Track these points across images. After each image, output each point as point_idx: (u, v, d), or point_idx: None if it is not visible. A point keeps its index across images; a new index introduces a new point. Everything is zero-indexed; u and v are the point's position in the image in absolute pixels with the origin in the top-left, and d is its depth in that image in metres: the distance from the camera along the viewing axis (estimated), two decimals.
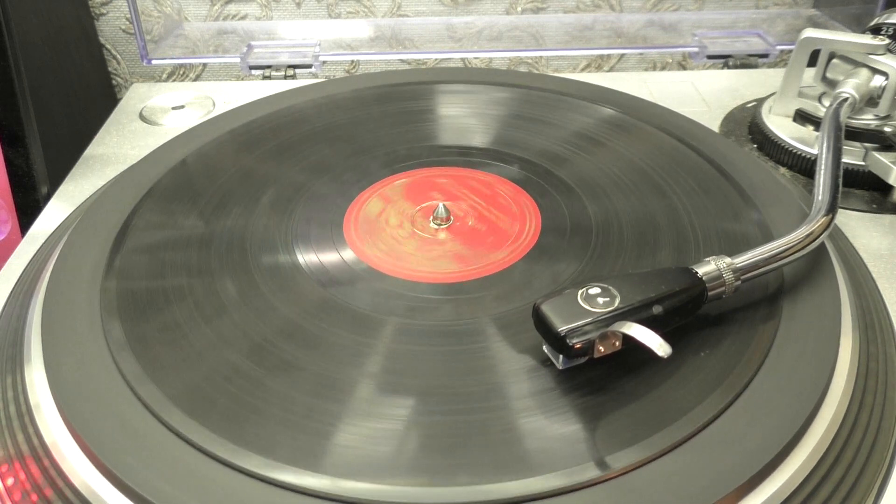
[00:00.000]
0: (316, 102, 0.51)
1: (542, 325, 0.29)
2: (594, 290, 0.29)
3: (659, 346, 0.26)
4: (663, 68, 0.79)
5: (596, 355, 0.29)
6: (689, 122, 0.47)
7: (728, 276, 0.31)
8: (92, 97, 0.70)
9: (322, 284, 0.35)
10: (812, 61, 0.49)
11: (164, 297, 0.34)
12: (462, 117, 0.49)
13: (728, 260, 0.31)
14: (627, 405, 0.28)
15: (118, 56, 0.76)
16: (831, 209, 0.35)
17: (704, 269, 0.31)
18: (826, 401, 0.29)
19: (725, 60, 0.64)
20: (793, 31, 0.69)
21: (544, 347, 0.30)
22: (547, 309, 0.29)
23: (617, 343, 0.29)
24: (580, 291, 0.29)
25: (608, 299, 0.29)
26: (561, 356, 0.29)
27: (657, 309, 0.29)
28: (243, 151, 0.45)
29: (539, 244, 0.38)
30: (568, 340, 0.28)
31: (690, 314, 0.31)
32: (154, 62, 0.66)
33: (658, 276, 0.30)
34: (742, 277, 0.31)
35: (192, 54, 0.68)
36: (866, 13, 0.65)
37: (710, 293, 0.31)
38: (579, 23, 0.72)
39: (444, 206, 0.39)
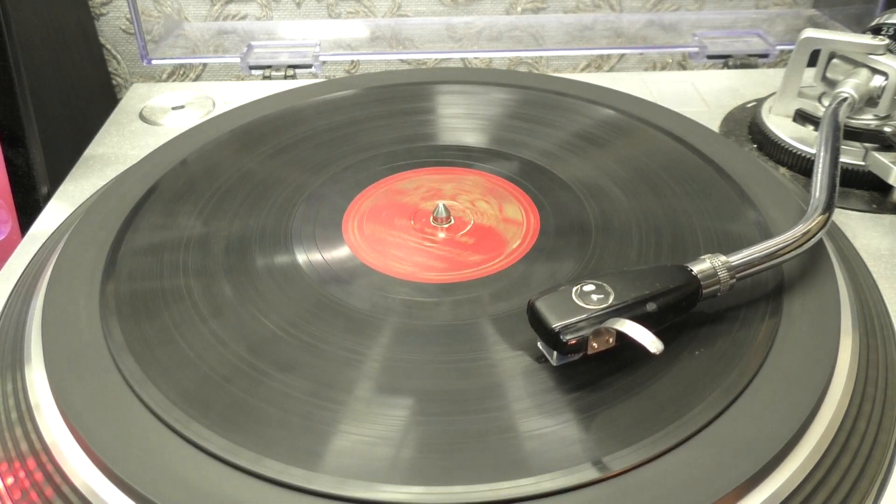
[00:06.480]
0: (316, 102, 0.51)
1: (537, 322, 0.29)
2: (589, 287, 0.29)
3: (651, 342, 0.26)
4: (663, 68, 0.79)
5: (590, 352, 0.29)
6: (688, 122, 0.47)
7: (723, 274, 0.31)
8: (92, 97, 0.70)
9: (321, 285, 0.35)
10: (812, 61, 0.49)
11: (163, 298, 0.34)
12: (462, 117, 0.49)
13: (723, 258, 0.31)
14: (627, 405, 0.28)
15: (118, 56, 0.76)
16: (828, 207, 0.35)
17: (699, 266, 0.31)
18: (826, 401, 0.29)
19: (725, 60, 0.64)
20: (793, 31, 0.68)
21: (539, 344, 0.30)
22: (541, 305, 0.29)
23: (611, 340, 0.29)
24: (575, 288, 0.29)
25: (602, 296, 0.29)
26: (555, 352, 0.29)
27: (651, 306, 0.29)
28: (243, 151, 0.45)
29: (538, 244, 0.38)
30: (562, 337, 0.28)
31: (685, 312, 0.31)
32: (154, 62, 0.66)
33: (653, 273, 0.30)
34: (737, 276, 0.31)
35: (192, 54, 0.69)
36: (866, 13, 0.65)
37: (704, 291, 0.31)
38: (579, 23, 0.72)
39: (444, 206, 0.39)
